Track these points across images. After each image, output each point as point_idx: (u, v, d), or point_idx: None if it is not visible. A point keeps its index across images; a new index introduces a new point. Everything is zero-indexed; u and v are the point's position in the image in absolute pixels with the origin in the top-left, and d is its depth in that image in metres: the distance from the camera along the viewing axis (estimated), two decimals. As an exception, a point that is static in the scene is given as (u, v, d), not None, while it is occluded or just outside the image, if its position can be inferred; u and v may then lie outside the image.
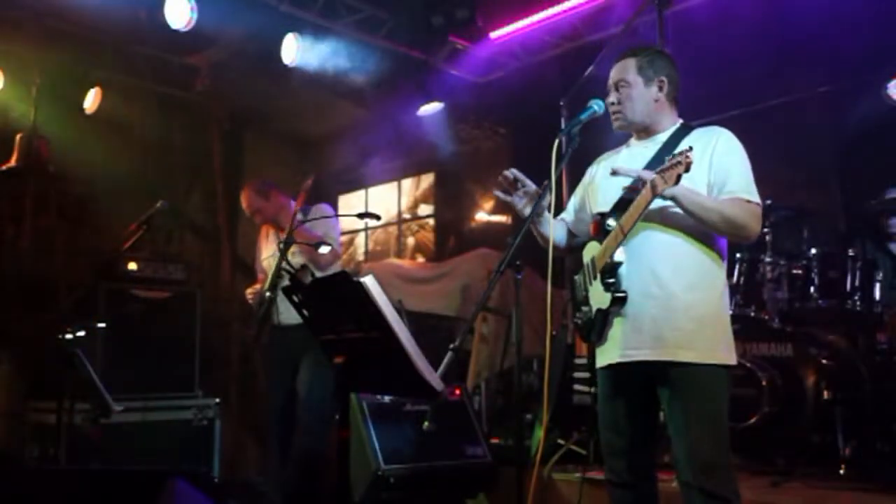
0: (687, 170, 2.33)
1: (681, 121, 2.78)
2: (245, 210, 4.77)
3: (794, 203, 4.66)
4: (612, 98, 2.74)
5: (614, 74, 2.76)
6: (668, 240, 2.60)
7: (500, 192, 2.81)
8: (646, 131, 2.77)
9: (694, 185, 2.53)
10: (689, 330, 2.55)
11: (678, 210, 2.54)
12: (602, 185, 2.84)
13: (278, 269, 4.39)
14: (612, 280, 2.59)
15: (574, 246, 2.96)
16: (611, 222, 2.62)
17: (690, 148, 2.34)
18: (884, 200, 4.26)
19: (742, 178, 2.59)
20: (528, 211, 2.76)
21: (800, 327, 4.34)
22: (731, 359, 2.61)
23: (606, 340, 2.68)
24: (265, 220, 4.74)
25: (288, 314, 4.21)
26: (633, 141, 2.85)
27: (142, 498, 2.82)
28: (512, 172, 2.79)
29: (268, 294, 4.43)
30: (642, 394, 2.67)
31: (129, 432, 4.82)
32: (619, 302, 2.57)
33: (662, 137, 2.73)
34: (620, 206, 2.63)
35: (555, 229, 2.86)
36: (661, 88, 2.72)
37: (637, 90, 2.71)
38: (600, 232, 2.66)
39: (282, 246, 4.26)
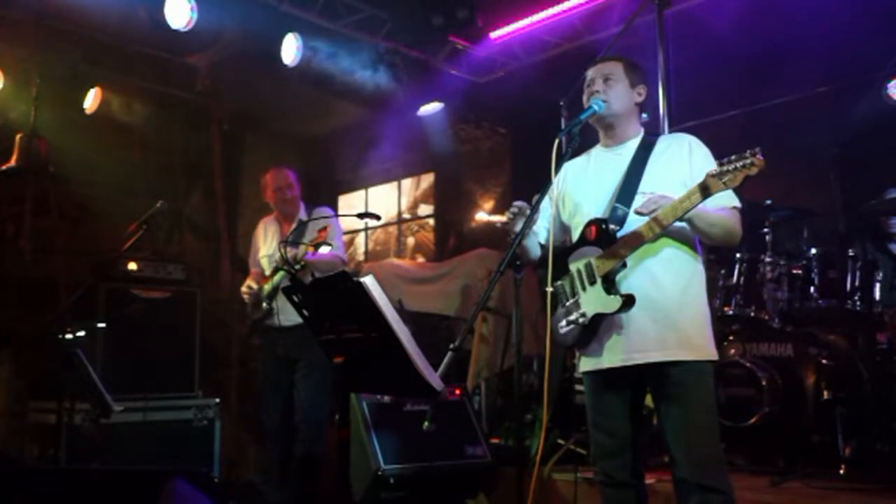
0: (759, 172, 2.32)
1: (643, 130, 2.86)
2: (269, 184, 4.66)
3: (794, 203, 4.66)
4: (598, 87, 2.78)
5: (598, 70, 2.82)
6: (660, 243, 2.64)
7: (508, 223, 2.77)
8: (615, 133, 2.82)
9: (672, 184, 2.61)
10: (689, 329, 2.63)
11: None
12: (579, 190, 2.86)
13: (278, 283, 4.38)
14: (615, 284, 2.61)
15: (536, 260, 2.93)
16: (612, 227, 2.63)
17: (758, 148, 2.32)
18: (884, 200, 4.25)
19: None
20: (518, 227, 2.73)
21: (800, 327, 4.34)
22: (716, 354, 2.70)
23: (601, 345, 2.69)
24: (281, 201, 4.67)
25: (286, 315, 4.21)
26: (598, 148, 2.90)
27: (142, 498, 2.82)
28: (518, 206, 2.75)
29: (265, 305, 4.43)
30: (632, 395, 2.74)
31: (129, 432, 4.82)
32: (630, 304, 2.58)
33: (631, 145, 2.79)
34: (624, 206, 2.65)
35: (531, 242, 2.86)
36: (640, 94, 2.84)
37: (624, 87, 2.80)
38: (601, 236, 2.66)
39: (285, 254, 4.26)
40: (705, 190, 2.41)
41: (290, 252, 4.31)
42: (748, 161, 2.31)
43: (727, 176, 2.35)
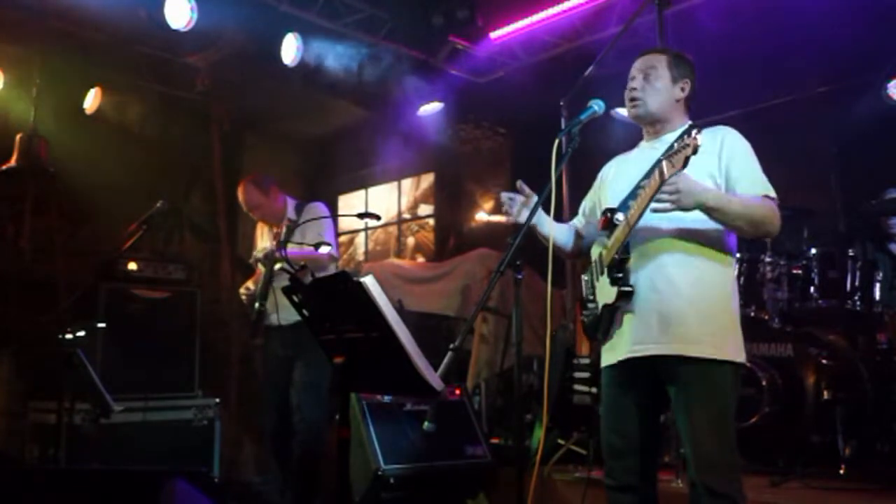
0: (695, 152, 2.29)
1: (689, 122, 2.78)
2: (242, 205, 4.69)
3: (794, 203, 4.66)
4: (636, 84, 2.73)
5: (642, 63, 2.76)
6: (676, 234, 2.59)
7: (509, 216, 2.81)
8: (655, 129, 2.78)
9: (698, 175, 2.50)
10: (696, 325, 2.54)
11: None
12: (611, 183, 2.86)
13: (267, 282, 4.38)
14: (619, 275, 2.59)
15: (582, 249, 2.97)
16: (619, 216, 2.61)
17: (699, 130, 2.31)
18: (884, 200, 4.26)
19: (758, 175, 2.61)
20: (524, 216, 2.75)
21: (800, 327, 4.34)
22: (739, 356, 2.59)
23: (613, 338, 2.67)
24: (263, 216, 4.70)
25: (284, 314, 4.20)
26: (643, 142, 2.87)
27: (142, 498, 2.83)
28: (514, 191, 2.80)
29: (257, 306, 4.43)
30: (648, 393, 2.64)
31: (129, 432, 4.82)
32: (626, 297, 2.56)
33: (670, 137, 2.73)
34: (633, 198, 2.64)
35: (561, 233, 2.86)
36: (683, 90, 2.76)
37: (664, 83, 2.73)
38: (609, 227, 2.65)
39: (274, 252, 4.27)
40: (661, 173, 2.37)
41: (263, 252, 4.40)
42: (686, 143, 2.29)
43: (674, 157, 2.33)
